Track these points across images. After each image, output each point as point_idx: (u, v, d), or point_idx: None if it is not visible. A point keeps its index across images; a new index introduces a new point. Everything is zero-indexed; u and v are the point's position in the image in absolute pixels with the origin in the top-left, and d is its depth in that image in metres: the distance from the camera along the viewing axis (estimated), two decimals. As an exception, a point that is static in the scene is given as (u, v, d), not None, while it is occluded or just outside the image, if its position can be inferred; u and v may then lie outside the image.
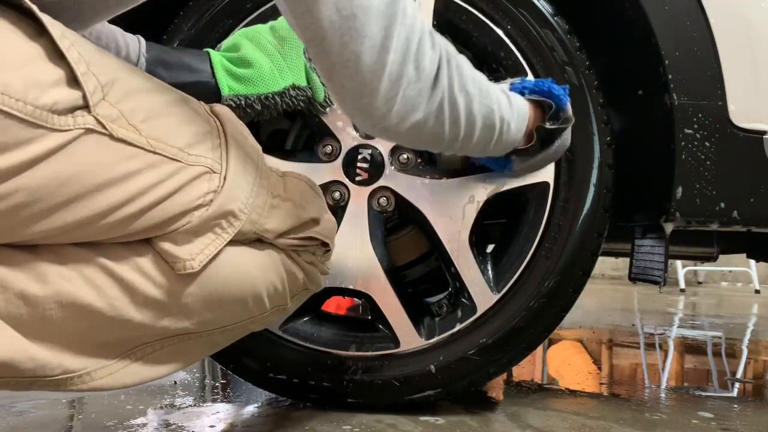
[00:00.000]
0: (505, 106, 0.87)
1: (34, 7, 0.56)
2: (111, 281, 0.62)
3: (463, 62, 0.79)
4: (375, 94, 0.70)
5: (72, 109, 0.56)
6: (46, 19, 0.56)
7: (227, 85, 0.99)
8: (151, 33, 1.00)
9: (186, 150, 0.64)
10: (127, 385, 0.69)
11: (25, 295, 0.58)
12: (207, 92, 0.98)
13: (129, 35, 0.94)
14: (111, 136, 0.58)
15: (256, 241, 0.72)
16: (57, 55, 0.56)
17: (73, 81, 0.57)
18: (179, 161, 0.63)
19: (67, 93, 0.56)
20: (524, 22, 1.12)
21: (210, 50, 1.01)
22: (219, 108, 0.73)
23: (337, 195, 1.15)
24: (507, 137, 0.89)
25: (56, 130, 0.55)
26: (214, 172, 0.66)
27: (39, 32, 0.56)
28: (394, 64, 0.69)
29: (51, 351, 0.62)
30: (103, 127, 0.58)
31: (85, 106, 0.57)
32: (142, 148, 0.61)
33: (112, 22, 0.88)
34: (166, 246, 0.64)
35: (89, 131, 0.57)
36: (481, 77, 0.83)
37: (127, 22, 0.90)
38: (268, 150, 1.14)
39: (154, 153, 0.61)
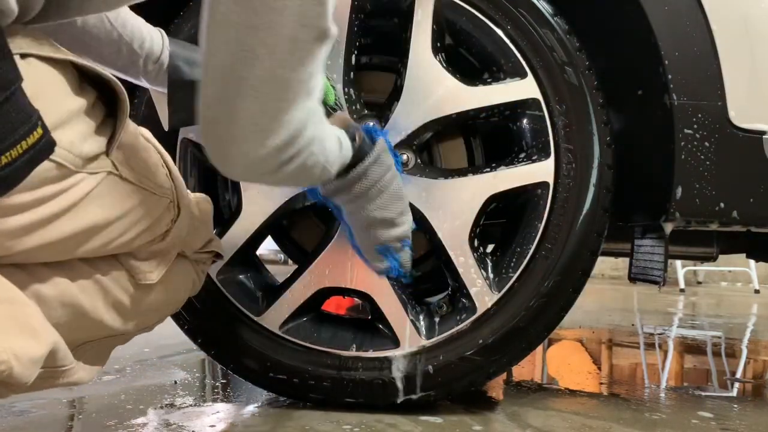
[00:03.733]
0: (335, 153, 0.83)
1: (116, 81, 0.63)
2: (96, 286, 0.70)
3: (319, 110, 0.77)
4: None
5: (98, 155, 0.63)
6: (123, 97, 0.64)
7: None
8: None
9: (157, 182, 0.72)
10: (79, 383, 0.74)
11: (39, 296, 0.64)
12: None
13: (152, 27, 0.95)
14: (120, 177, 0.65)
15: (179, 254, 0.81)
16: (95, 106, 0.63)
17: (103, 129, 0.63)
18: (155, 194, 0.71)
19: (97, 140, 0.62)
20: (524, 22, 1.12)
21: None
22: (146, 132, 0.77)
23: (337, 195, 1.15)
24: (325, 175, 0.84)
25: (91, 173, 0.62)
26: (171, 201, 0.74)
27: (81, 86, 0.62)
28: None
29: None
30: (116, 168, 0.65)
31: (106, 151, 0.64)
32: (136, 185, 0.68)
33: None
34: (132, 261, 0.73)
35: (109, 173, 0.64)
36: (327, 125, 0.80)
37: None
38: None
39: (143, 188, 0.69)
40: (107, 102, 0.65)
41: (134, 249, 0.72)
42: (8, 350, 0.54)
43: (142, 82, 0.96)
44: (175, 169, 0.77)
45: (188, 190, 0.82)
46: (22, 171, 0.54)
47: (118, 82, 0.64)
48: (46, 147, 0.55)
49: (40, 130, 0.54)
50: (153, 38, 0.93)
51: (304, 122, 0.69)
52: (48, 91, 0.57)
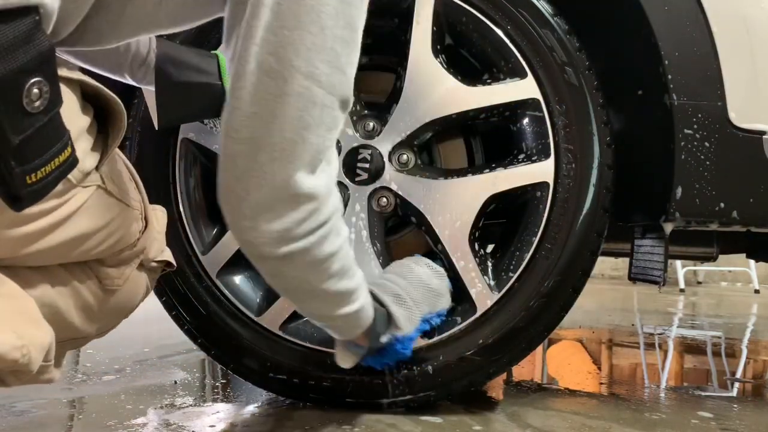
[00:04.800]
0: (364, 290, 0.92)
1: (116, 100, 0.67)
2: (70, 289, 0.73)
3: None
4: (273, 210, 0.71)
5: (90, 170, 0.66)
6: (117, 105, 0.67)
7: None
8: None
9: (129, 195, 0.75)
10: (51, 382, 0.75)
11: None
12: (214, 94, 0.98)
13: None
14: (105, 190, 0.69)
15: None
16: (94, 125, 0.66)
17: (96, 144, 0.66)
18: (128, 206, 0.75)
19: (92, 156, 0.66)
20: (524, 22, 1.12)
21: (219, 53, 1.01)
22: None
23: (337, 195, 1.15)
24: (358, 315, 0.93)
25: (85, 186, 0.66)
26: (141, 213, 0.79)
27: (84, 104, 0.65)
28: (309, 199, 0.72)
29: None
30: (104, 182, 0.69)
31: (96, 166, 0.67)
32: (116, 198, 0.72)
33: None
34: (102, 268, 0.77)
35: (98, 187, 0.68)
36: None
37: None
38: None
39: (120, 201, 0.72)
40: (98, 116, 0.68)
41: (106, 256, 0.76)
42: (26, 337, 0.57)
43: (129, 81, 0.96)
44: (140, 182, 0.81)
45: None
46: (50, 186, 0.58)
47: (119, 101, 0.67)
48: (71, 164, 0.60)
49: (69, 149, 0.58)
50: (139, 40, 0.93)
51: (332, 184, 0.76)
52: (64, 110, 0.60)
